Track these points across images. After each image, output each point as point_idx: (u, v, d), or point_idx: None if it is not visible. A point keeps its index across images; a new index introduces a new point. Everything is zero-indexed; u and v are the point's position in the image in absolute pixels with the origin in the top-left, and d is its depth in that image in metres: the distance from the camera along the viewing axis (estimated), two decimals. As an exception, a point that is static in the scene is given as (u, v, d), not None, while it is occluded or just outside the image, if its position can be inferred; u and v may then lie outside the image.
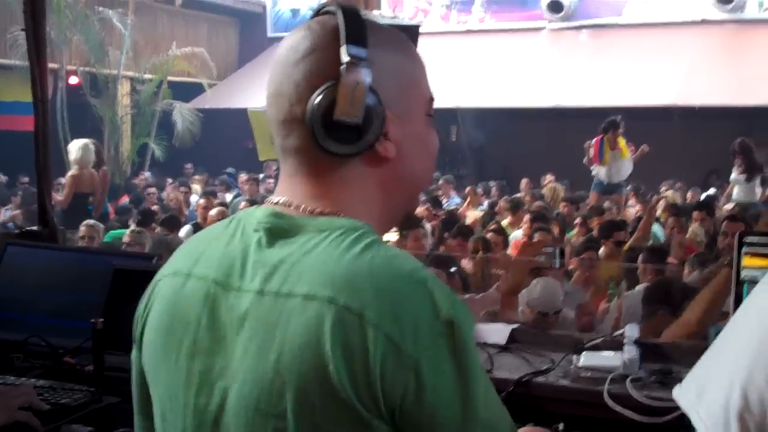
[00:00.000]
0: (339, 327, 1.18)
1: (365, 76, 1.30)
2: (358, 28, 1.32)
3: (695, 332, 3.62)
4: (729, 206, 11.28)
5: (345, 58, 1.29)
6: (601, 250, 7.79)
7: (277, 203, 1.36)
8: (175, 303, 1.38)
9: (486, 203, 12.89)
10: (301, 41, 1.34)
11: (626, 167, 12.54)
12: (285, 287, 1.24)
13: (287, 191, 1.37)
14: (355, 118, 1.30)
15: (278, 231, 1.31)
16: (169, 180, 16.59)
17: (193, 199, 13.26)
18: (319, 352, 1.18)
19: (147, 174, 17.51)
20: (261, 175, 16.12)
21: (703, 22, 18.06)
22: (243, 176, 15.35)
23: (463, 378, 1.21)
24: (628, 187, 13.02)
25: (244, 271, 1.30)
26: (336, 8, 1.35)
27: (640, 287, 6.11)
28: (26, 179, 15.16)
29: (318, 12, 1.40)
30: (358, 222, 1.31)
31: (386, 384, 1.17)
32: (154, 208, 11.88)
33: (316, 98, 1.30)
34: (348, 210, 1.33)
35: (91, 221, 8.49)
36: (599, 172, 12.52)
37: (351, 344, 1.17)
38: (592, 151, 12.48)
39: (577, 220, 9.67)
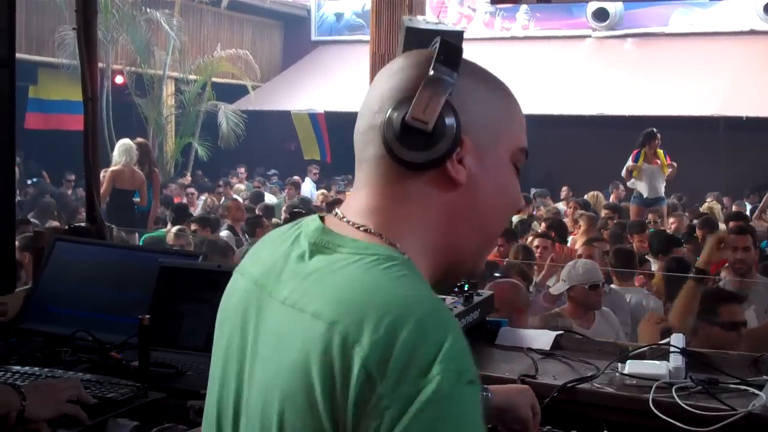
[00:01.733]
0: (330, 353, 1.13)
1: (444, 90, 1.30)
2: (453, 54, 1.33)
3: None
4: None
5: (430, 72, 1.30)
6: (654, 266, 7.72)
7: (335, 215, 1.36)
8: (227, 301, 1.42)
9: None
10: (399, 61, 1.37)
11: (662, 183, 12.36)
12: (300, 302, 1.22)
13: (349, 204, 1.37)
14: (425, 125, 1.29)
15: (319, 246, 1.30)
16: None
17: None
18: (308, 374, 1.15)
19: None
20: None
21: (751, 32, 17.89)
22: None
23: None
24: (670, 199, 12.91)
25: (280, 278, 1.30)
26: (438, 39, 1.35)
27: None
28: (72, 177, 15.34)
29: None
30: (398, 253, 1.27)
31: (360, 425, 1.11)
32: (192, 209, 12.06)
33: (395, 105, 1.31)
34: (401, 232, 1.31)
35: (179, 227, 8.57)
36: (638, 185, 12.40)
37: (336, 373, 1.12)
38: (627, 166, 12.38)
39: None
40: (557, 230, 8.74)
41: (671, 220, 10.90)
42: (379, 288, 1.18)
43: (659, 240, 8.29)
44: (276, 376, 1.21)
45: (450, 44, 1.33)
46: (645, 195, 12.19)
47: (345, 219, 1.33)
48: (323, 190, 15.02)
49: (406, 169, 1.31)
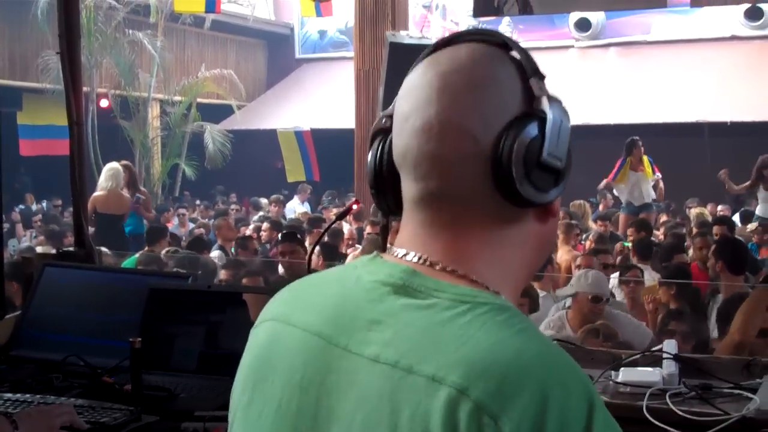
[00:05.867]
0: (458, 423, 0.98)
1: (565, 114, 1.15)
2: (534, 62, 1.17)
3: (740, 343, 3.71)
4: (752, 226, 11.14)
5: (540, 92, 1.14)
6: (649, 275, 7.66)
7: (406, 258, 1.16)
8: (268, 355, 1.21)
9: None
10: (472, 65, 1.15)
11: (649, 189, 12.36)
12: (405, 360, 1.04)
13: (423, 247, 1.16)
14: (559, 162, 1.14)
15: (408, 290, 1.11)
16: (197, 202, 16.77)
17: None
18: None
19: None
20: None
21: (733, 38, 17.99)
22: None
23: None
24: (660, 206, 12.94)
25: (355, 329, 1.11)
26: (494, 36, 1.19)
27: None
28: (59, 202, 15.33)
29: (455, 39, 1.20)
30: (506, 301, 1.12)
31: None
32: (183, 230, 12.04)
33: (516, 134, 1.11)
34: (500, 275, 1.15)
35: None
36: (619, 192, 12.43)
37: None
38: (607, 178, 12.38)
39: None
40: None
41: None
42: (507, 346, 1.03)
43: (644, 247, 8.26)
44: None
45: (525, 50, 1.18)
46: (625, 201, 12.22)
47: (428, 263, 1.14)
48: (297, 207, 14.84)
49: (521, 207, 1.15)
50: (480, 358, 1.00)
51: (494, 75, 1.14)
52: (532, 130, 1.11)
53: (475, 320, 1.05)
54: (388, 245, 1.22)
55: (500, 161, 1.11)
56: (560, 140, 1.13)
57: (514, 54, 1.17)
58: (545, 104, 1.13)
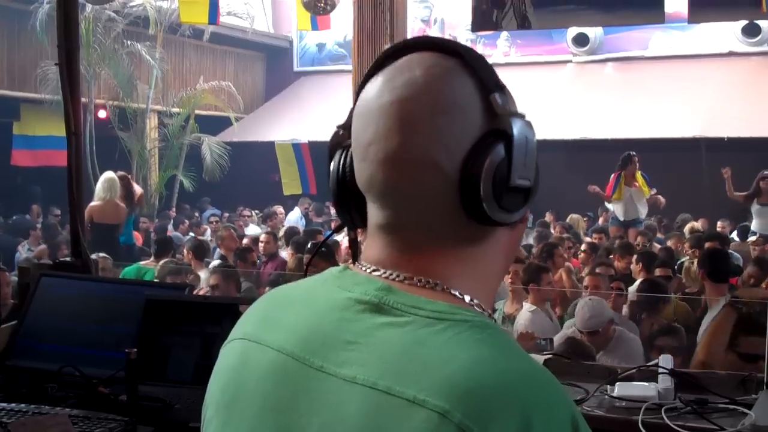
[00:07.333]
0: None
1: (530, 132, 1.11)
2: (494, 73, 1.12)
3: (703, 363, 3.76)
4: (751, 239, 11.18)
5: (502, 109, 1.09)
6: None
7: (376, 274, 1.13)
8: (240, 377, 1.18)
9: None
10: (429, 91, 1.10)
11: (643, 206, 12.40)
12: (384, 381, 1.01)
13: (393, 266, 1.12)
14: (528, 182, 1.12)
15: (384, 308, 1.08)
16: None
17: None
18: None
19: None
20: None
21: (730, 54, 18.03)
22: None
23: None
24: (651, 220, 12.94)
25: (330, 349, 1.08)
26: (451, 46, 1.14)
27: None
28: (58, 212, 15.30)
29: (408, 47, 1.16)
30: (485, 317, 1.10)
31: None
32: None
33: (482, 160, 1.08)
34: (475, 287, 1.13)
35: (103, 254, 8.52)
36: (615, 208, 12.47)
37: None
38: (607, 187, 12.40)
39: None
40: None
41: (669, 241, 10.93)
42: (488, 366, 1.00)
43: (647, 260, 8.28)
44: None
45: (482, 60, 1.13)
46: (622, 218, 12.25)
47: (403, 279, 1.11)
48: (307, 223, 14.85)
49: (494, 226, 1.13)
50: (461, 379, 0.98)
51: (454, 98, 1.09)
52: (498, 152, 1.08)
53: (455, 338, 1.02)
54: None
55: (468, 190, 1.08)
56: (527, 159, 1.10)
57: (472, 65, 1.12)
58: (508, 123, 1.09)
